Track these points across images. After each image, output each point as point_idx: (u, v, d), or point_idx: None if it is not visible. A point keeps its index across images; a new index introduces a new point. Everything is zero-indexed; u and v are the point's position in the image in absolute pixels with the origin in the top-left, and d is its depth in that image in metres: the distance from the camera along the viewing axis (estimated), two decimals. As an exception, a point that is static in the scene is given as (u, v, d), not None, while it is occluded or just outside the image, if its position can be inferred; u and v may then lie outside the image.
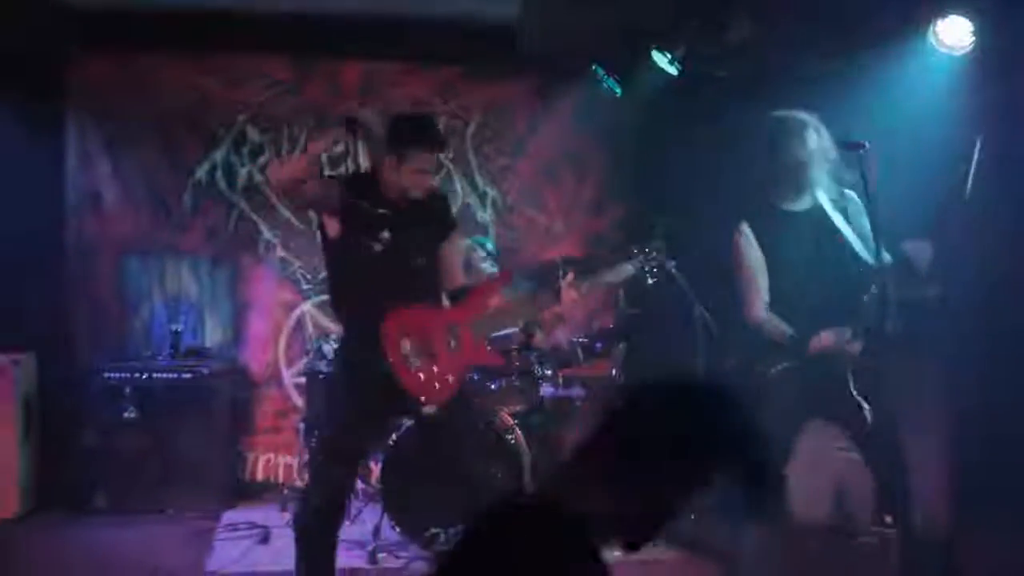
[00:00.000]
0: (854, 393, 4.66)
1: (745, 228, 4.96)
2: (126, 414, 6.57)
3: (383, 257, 4.51)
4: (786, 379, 4.99)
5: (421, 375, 4.54)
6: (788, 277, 4.88)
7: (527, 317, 5.26)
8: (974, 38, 5.60)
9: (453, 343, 4.63)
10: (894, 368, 4.65)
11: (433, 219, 4.80)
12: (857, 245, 4.76)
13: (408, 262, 4.60)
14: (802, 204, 4.92)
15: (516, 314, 5.14)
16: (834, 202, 4.82)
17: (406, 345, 4.52)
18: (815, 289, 4.80)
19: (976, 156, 4.56)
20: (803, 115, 4.86)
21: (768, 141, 4.91)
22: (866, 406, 4.64)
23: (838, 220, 4.74)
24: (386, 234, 4.51)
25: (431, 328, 4.62)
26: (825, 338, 4.74)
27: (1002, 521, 4.69)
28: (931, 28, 5.74)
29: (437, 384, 4.58)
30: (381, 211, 4.52)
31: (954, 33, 5.70)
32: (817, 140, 4.79)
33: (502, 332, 5.17)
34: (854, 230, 4.84)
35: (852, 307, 4.67)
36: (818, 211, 4.85)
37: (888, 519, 4.41)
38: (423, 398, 4.57)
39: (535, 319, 5.19)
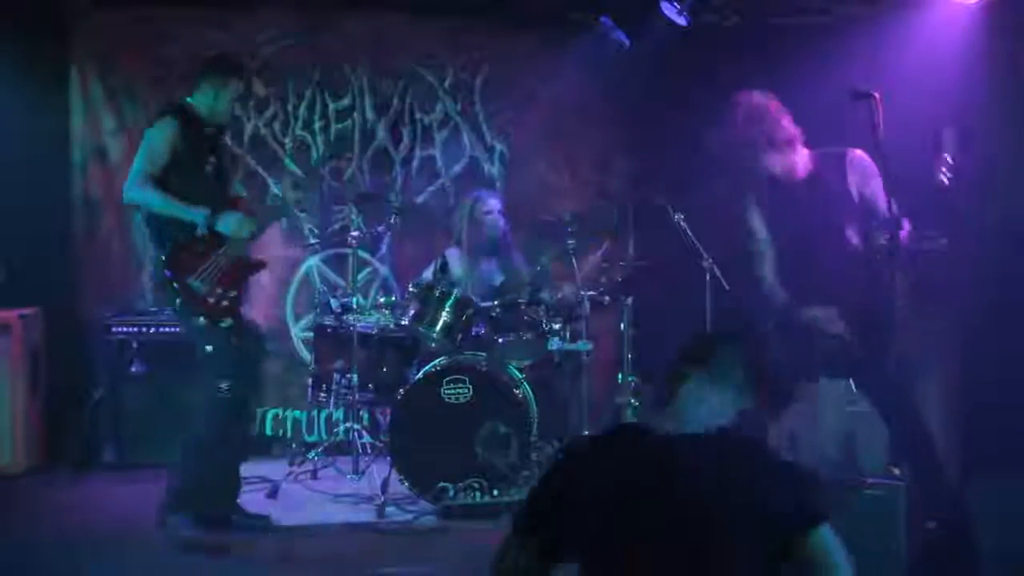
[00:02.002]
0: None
1: (751, 200, 5.00)
2: (133, 368, 6.58)
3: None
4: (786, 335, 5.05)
5: (210, 299, 5.17)
6: (794, 245, 4.91)
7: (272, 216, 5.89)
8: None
9: (223, 261, 5.23)
10: (903, 319, 4.66)
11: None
12: (858, 207, 4.76)
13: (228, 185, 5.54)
14: (801, 172, 4.93)
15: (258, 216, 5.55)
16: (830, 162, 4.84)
17: (193, 278, 5.15)
18: (817, 258, 4.83)
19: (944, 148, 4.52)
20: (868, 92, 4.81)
21: (748, 113, 4.91)
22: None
23: (833, 182, 4.78)
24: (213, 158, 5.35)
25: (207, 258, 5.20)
26: (812, 311, 4.80)
27: (1012, 471, 4.68)
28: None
29: (224, 303, 5.21)
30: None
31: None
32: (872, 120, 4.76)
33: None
34: (857, 191, 4.83)
35: (846, 281, 4.72)
36: (814, 178, 4.89)
37: (896, 470, 4.41)
38: (217, 317, 5.18)
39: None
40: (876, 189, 4.84)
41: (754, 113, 4.87)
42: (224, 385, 5.14)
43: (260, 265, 5.62)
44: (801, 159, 4.90)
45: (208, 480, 5.21)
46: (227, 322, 5.19)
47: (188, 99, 5.36)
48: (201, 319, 5.16)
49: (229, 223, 5.19)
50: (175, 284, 5.12)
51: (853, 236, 4.78)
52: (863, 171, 4.87)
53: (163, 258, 5.16)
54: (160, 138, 5.17)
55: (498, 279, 6.81)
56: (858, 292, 4.74)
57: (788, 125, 4.84)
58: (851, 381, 4.94)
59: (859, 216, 4.80)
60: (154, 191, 5.12)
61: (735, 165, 5.00)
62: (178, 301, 5.16)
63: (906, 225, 4.60)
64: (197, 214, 5.14)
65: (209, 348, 5.18)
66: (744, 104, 4.88)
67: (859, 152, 4.87)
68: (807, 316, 4.82)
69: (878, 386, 4.77)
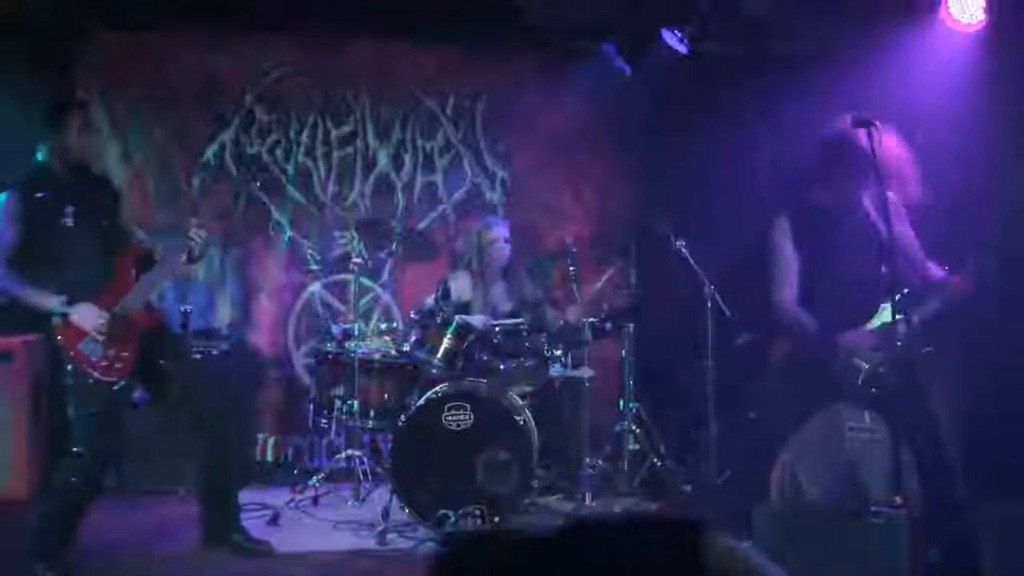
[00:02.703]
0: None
1: (784, 224, 5.01)
2: (136, 395, 6.56)
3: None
4: (791, 362, 5.05)
5: (103, 362, 4.95)
6: (824, 277, 4.92)
7: (166, 276, 5.54)
8: (985, 14, 5.58)
9: (120, 325, 5.00)
10: (915, 354, 4.67)
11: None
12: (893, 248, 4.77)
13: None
14: (843, 203, 4.94)
15: (156, 276, 5.28)
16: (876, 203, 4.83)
17: (83, 343, 4.92)
18: (847, 290, 4.83)
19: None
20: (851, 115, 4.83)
21: (826, 144, 4.93)
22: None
23: (880, 223, 4.73)
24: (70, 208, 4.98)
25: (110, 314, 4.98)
26: (851, 337, 4.81)
27: (1017, 502, 4.66)
28: (944, 4, 5.72)
29: (118, 364, 4.98)
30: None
31: (966, 8, 5.68)
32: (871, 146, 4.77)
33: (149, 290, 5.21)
34: (891, 232, 4.84)
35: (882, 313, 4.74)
36: (859, 211, 4.90)
37: (899, 499, 4.40)
38: (108, 378, 4.96)
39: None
40: (909, 232, 4.92)
41: (834, 144, 4.89)
42: (77, 450, 4.95)
43: (158, 315, 5.31)
44: (849, 189, 4.92)
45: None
46: (119, 383, 4.99)
47: (37, 157, 5.11)
48: (91, 380, 4.94)
49: (83, 316, 4.90)
50: (69, 353, 4.92)
51: (893, 272, 4.68)
52: (898, 209, 4.90)
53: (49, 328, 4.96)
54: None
55: (507, 304, 6.82)
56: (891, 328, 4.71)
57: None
58: (870, 412, 4.92)
59: (897, 253, 4.76)
60: (3, 278, 4.89)
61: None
62: (69, 368, 4.94)
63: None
64: (51, 305, 4.89)
65: (93, 409, 4.97)
66: (831, 133, 4.90)
67: (891, 193, 4.89)
68: (840, 344, 4.82)
69: (908, 418, 4.74)
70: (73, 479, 4.98)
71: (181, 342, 5.58)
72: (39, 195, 4.95)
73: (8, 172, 5.19)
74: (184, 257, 5.27)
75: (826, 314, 4.91)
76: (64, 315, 4.90)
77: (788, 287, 5.03)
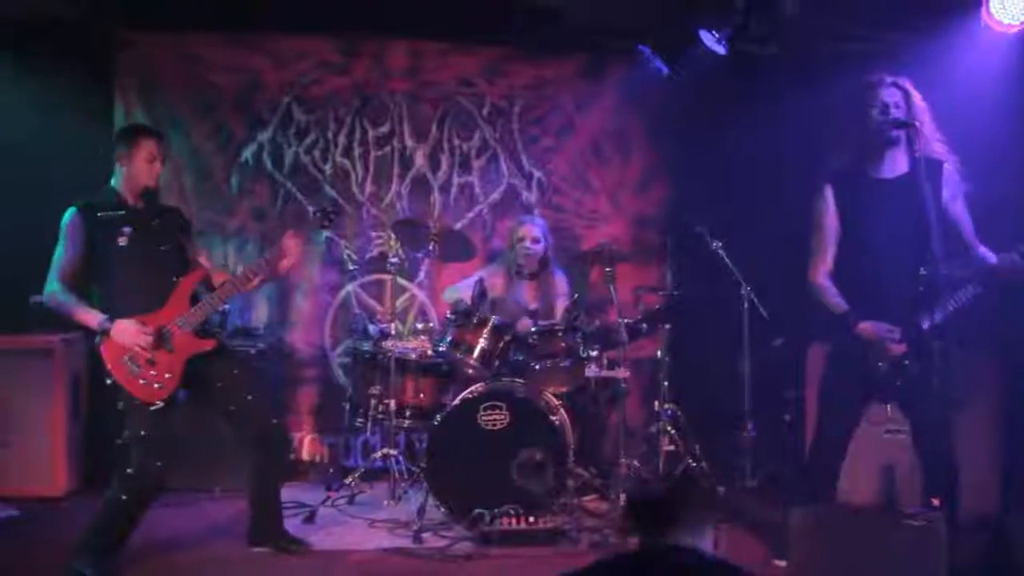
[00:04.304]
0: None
1: (828, 191, 4.90)
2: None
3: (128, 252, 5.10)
4: (836, 360, 4.98)
5: (141, 380, 5.01)
6: (863, 250, 4.81)
7: (231, 294, 5.36)
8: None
9: (168, 345, 5.07)
10: (946, 353, 4.59)
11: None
12: (944, 223, 4.66)
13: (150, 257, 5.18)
14: (892, 171, 4.84)
15: (219, 296, 5.25)
16: (928, 169, 4.67)
17: (125, 359, 5.00)
18: (888, 269, 4.73)
19: None
20: (889, 77, 4.79)
21: (858, 104, 4.85)
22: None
23: (927, 191, 4.56)
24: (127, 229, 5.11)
25: (154, 335, 5.04)
26: (869, 328, 4.71)
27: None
28: (985, 4, 5.67)
29: (157, 384, 5.02)
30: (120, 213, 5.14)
31: (1008, 10, 5.63)
32: (906, 102, 4.73)
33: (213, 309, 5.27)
34: (947, 206, 4.75)
35: (918, 299, 4.62)
36: (908, 180, 4.76)
37: (935, 502, 4.36)
38: (147, 400, 5.01)
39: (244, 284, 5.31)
40: (962, 210, 4.80)
41: (863, 100, 4.83)
42: (129, 471, 5.03)
43: (207, 345, 5.24)
44: (899, 157, 4.83)
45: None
46: (156, 404, 5.02)
47: (111, 182, 5.24)
48: (124, 401, 5.04)
49: (123, 332, 4.98)
50: (109, 367, 5.02)
51: (935, 251, 4.50)
52: (955, 187, 4.79)
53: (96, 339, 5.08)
54: (61, 232, 5.10)
55: (533, 304, 6.82)
56: (922, 313, 4.63)
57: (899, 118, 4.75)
58: (898, 407, 4.84)
59: (943, 232, 4.57)
60: (57, 293, 5.04)
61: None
62: (109, 382, 5.03)
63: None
64: (95, 323, 5.00)
65: (127, 433, 5.06)
66: (861, 87, 4.85)
67: (950, 166, 4.80)
68: (867, 331, 4.75)
69: (924, 416, 4.69)
70: (123, 498, 5.03)
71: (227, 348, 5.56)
72: (100, 215, 5.11)
73: (69, 189, 5.33)
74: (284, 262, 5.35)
75: (858, 296, 4.83)
76: (106, 332, 4.99)
77: (823, 260, 4.94)
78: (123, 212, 5.14)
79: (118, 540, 5.07)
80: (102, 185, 5.25)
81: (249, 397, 5.34)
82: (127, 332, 4.97)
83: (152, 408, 5.01)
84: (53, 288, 5.05)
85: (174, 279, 5.20)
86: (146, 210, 5.24)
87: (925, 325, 4.56)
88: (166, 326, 5.07)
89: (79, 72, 7.07)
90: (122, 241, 5.07)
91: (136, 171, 5.17)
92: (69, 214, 5.10)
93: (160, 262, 5.21)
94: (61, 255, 5.07)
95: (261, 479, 5.45)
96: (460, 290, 6.79)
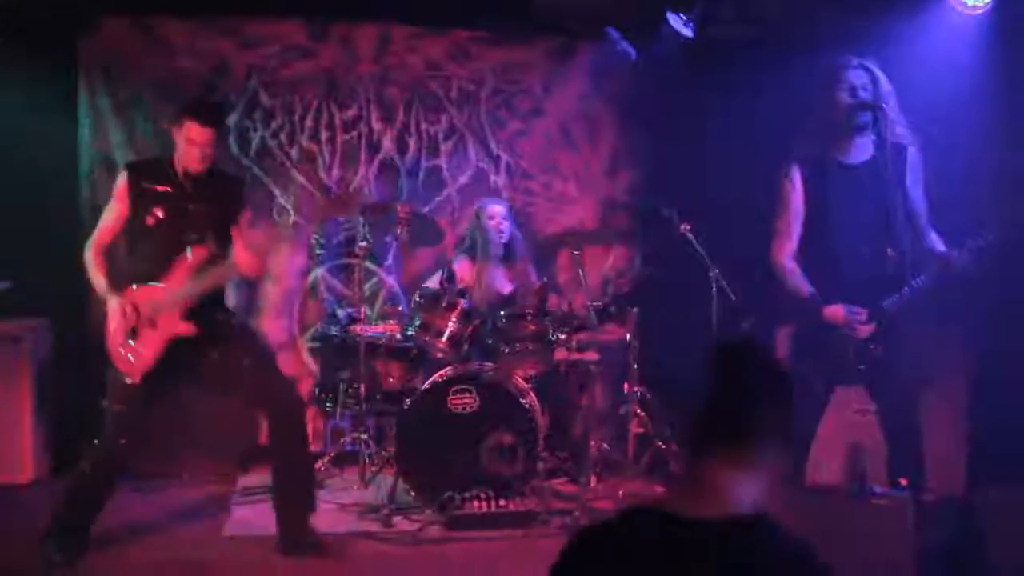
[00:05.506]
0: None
1: (796, 174, 4.93)
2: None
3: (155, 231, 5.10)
4: (801, 342, 5.01)
5: (124, 351, 5.03)
6: (828, 233, 4.86)
7: (217, 279, 5.26)
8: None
9: (152, 322, 5.05)
10: (912, 332, 4.64)
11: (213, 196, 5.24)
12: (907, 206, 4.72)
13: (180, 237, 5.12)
14: (859, 157, 4.88)
15: (196, 281, 5.15)
16: (893, 154, 4.75)
17: (114, 328, 5.03)
18: (852, 253, 4.78)
19: None
20: (856, 60, 4.82)
21: (821, 86, 4.88)
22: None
23: (892, 176, 4.68)
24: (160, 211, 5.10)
25: (140, 309, 5.06)
26: (835, 312, 4.76)
27: (1019, 483, 4.66)
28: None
29: (131, 356, 5.02)
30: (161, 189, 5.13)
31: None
32: (873, 85, 4.76)
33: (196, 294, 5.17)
34: (910, 190, 4.80)
35: (882, 281, 4.68)
36: (874, 165, 4.80)
37: (903, 482, 4.40)
38: (125, 372, 5.04)
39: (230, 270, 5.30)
40: (920, 197, 4.85)
41: (830, 82, 4.85)
42: (96, 441, 5.11)
43: (185, 329, 5.12)
44: (865, 142, 4.86)
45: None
46: (132, 379, 5.04)
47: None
48: (112, 373, 5.14)
49: (115, 302, 5.04)
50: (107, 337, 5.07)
51: (899, 234, 4.67)
52: (917, 172, 4.85)
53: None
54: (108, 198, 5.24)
55: (507, 288, 6.82)
56: (887, 295, 4.70)
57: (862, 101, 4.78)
58: (865, 389, 4.89)
59: (905, 215, 4.73)
60: (86, 254, 5.15)
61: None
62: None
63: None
64: (101, 291, 5.10)
65: (115, 407, 5.14)
66: (829, 70, 4.87)
67: (914, 150, 4.85)
68: (834, 315, 4.78)
69: (890, 396, 4.73)
70: (86, 469, 5.06)
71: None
72: (144, 185, 5.12)
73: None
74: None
75: (822, 278, 4.87)
76: (107, 302, 5.06)
77: (789, 240, 4.98)
78: (164, 189, 5.12)
79: (84, 521, 5.06)
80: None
81: (264, 378, 5.34)
82: (118, 302, 5.02)
83: (129, 383, 5.02)
84: (87, 251, 5.14)
85: (178, 257, 5.14)
86: (190, 193, 5.16)
87: (888, 306, 4.62)
88: (156, 300, 5.05)
89: (42, 57, 6.96)
90: (150, 221, 5.09)
91: (179, 149, 5.14)
92: (121, 176, 5.19)
93: (179, 247, 5.12)
94: (103, 217, 5.21)
95: (288, 472, 5.32)
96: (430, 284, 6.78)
